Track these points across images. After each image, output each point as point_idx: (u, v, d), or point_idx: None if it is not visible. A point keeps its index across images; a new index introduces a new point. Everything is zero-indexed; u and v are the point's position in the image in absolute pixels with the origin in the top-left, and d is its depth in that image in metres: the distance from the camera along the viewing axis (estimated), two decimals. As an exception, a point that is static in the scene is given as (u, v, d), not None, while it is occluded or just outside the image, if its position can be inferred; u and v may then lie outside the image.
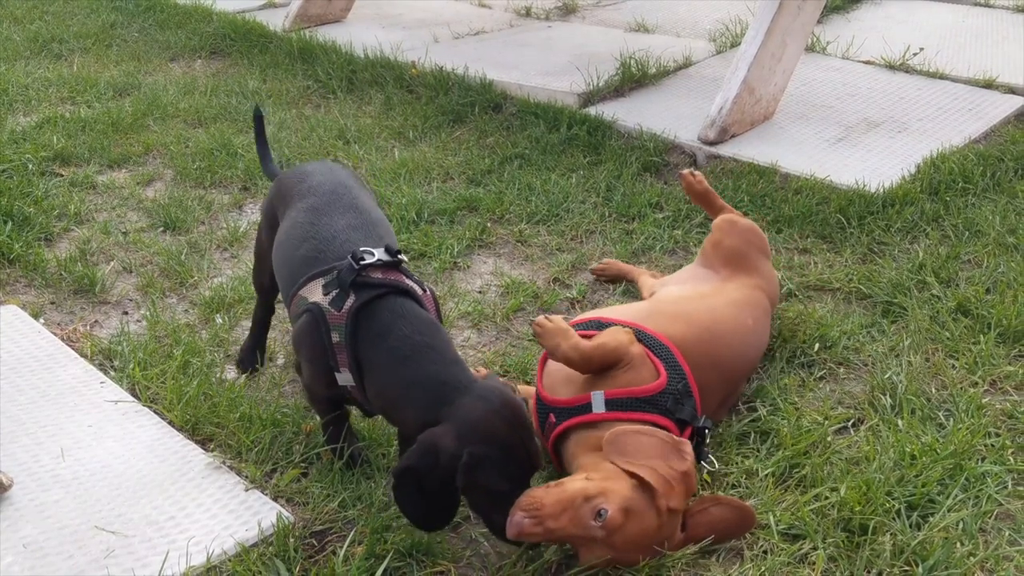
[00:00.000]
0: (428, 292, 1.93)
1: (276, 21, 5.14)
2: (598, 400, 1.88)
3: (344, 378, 1.84)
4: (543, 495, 1.67)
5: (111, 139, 3.78)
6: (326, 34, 4.89)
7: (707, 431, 1.94)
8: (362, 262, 1.84)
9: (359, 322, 1.81)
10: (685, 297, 2.26)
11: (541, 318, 1.95)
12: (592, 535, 1.66)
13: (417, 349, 1.78)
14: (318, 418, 2.06)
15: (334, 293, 1.83)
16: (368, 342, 1.80)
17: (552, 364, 1.99)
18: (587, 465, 1.79)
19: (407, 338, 1.79)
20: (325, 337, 1.82)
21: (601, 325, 2.05)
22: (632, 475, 1.71)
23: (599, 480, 1.71)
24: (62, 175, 3.50)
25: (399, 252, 1.90)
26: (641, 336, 2.00)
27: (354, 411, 2.04)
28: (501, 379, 1.86)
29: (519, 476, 1.70)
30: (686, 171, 2.59)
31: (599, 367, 1.92)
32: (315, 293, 1.87)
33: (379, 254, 1.87)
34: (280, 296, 2.21)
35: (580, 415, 1.89)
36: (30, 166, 3.48)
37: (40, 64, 4.69)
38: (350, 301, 1.81)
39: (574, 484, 1.71)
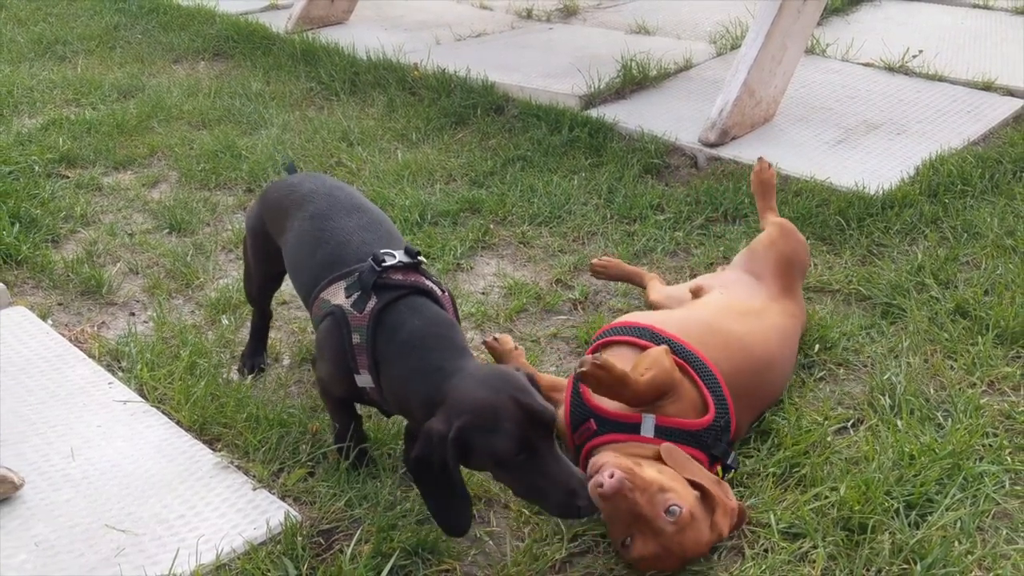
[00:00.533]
0: (446, 293, 1.95)
1: (279, 23, 5.17)
2: (648, 424, 1.87)
3: (364, 380, 1.86)
4: (634, 466, 1.69)
5: (116, 141, 3.81)
6: (328, 36, 4.92)
7: (733, 469, 1.96)
8: (383, 264, 1.86)
9: (380, 323, 1.82)
10: (736, 313, 2.20)
11: (592, 367, 1.83)
12: (659, 526, 1.68)
13: (425, 340, 1.80)
14: (328, 417, 2.08)
15: (356, 295, 1.85)
16: (384, 340, 1.82)
17: None
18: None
19: (418, 330, 1.81)
20: (346, 339, 1.84)
21: (647, 334, 2.04)
22: (698, 487, 1.75)
23: (669, 477, 1.73)
24: (68, 177, 3.53)
25: (418, 253, 1.93)
26: (691, 360, 1.99)
27: (366, 412, 2.07)
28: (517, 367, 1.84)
29: (528, 437, 1.65)
30: (761, 158, 2.62)
31: (651, 403, 1.91)
32: (337, 295, 1.89)
33: (399, 256, 1.89)
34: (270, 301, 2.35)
35: (627, 433, 1.88)
36: (36, 168, 3.51)
37: (44, 66, 4.72)
38: (372, 303, 1.83)
39: (650, 471, 1.73)
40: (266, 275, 2.33)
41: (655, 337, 2.04)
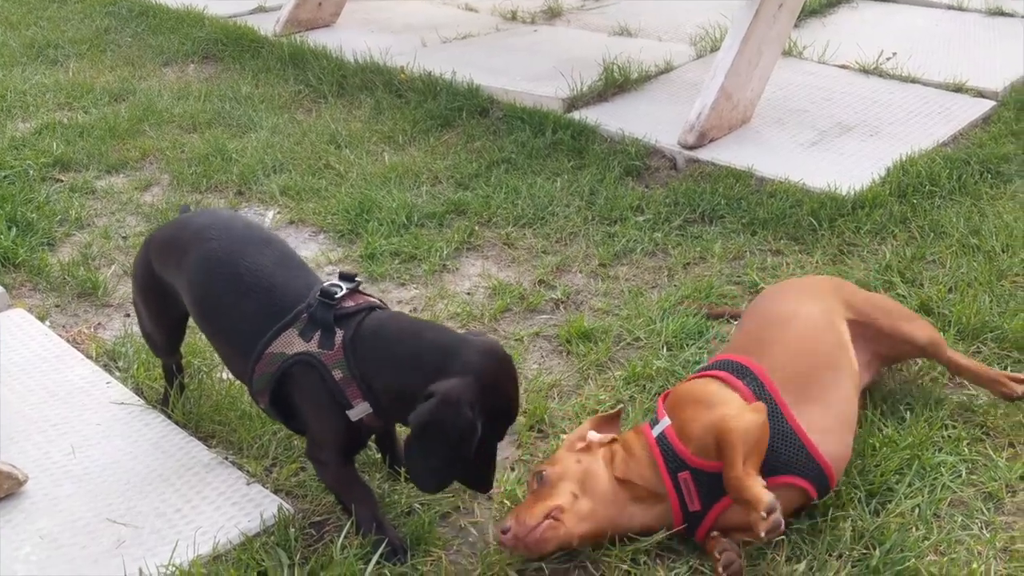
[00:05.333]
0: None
1: (267, 26, 5.24)
2: None
3: (358, 411, 1.82)
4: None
5: (108, 145, 3.89)
6: (316, 39, 5.00)
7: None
8: (335, 296, 1.85)
9: (356, 347, 1.81)
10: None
11: (765, 529, 1.69)
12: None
13: (411, 331, 1.85)
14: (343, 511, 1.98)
15: (318, 335, 1.82)
16: (369, 353, 1.81)
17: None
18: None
19: (399, 329, 1.85)
20: (328, 379, 1.81)
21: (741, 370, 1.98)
22: None
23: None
24: (62, 181, 3.61)
25: (354, 276, 1.93)
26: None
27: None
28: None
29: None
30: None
31: None
32: (293, 344, 1.83)
33: (345, 285, 1.88)
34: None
35: None
36: (31, 172, 3.59)
37: (37, 70, 4.80)
38: (339, 335, 1.82)
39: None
40: (171, 324, 2.19)
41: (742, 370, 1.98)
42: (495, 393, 1.76)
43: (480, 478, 1.83)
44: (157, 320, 2.19)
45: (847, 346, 2.10)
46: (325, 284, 1.89)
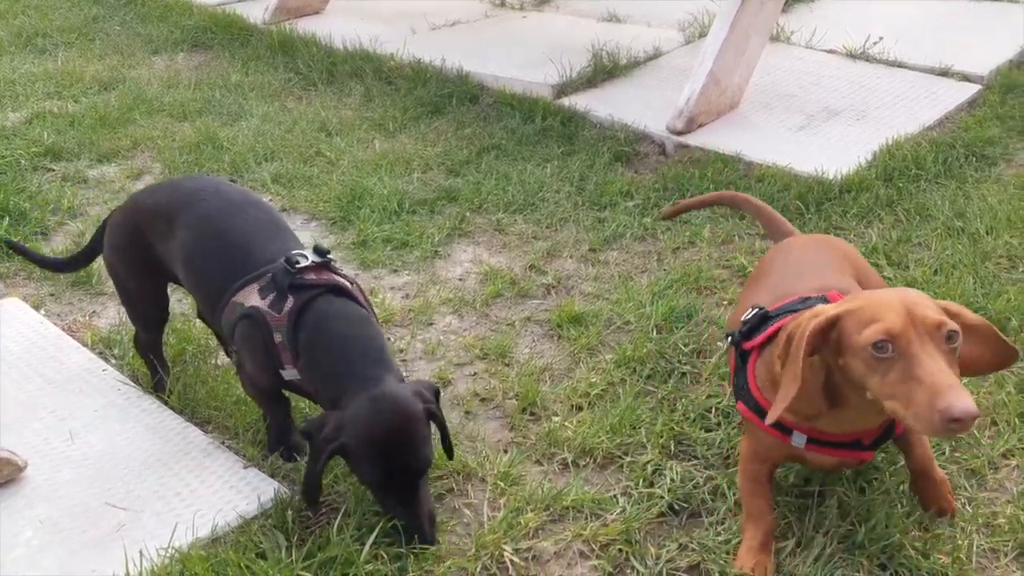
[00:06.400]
0: (355, 285, 2.04)
1: (256, 14, 5.24)
2: None
3: (290, 374, 1.97)
4: None
5: (99, 134, 3.89)
6: (305, 27, 5.01)
7: None
8: (297, 265, 1.95)
9: (298, 322, 1.92)
10: None
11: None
12: None
13: (343, 343, 1.91)
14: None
15: (272, 296, 1.94)
16: (305, 339, 1.91)
17: None
18: None
19: (336, 332, 1.92)
20: (267, 338, 1.93)
21: None
22: None
23: None
24: (54, 170, 3.62)
25: (327, 252, 2.01)
26: None
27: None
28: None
29: (393, 473, 1.82)
30: None
31: None
32: (251, 298, 1.96)
33: (310, 256, 1.97)
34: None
35: None
36: (23, 162, 3.60)
37: (25, 59, 4.79)
38: (289, 303, 1.92)
39: None
40: (156, 294, 2.27)
41: None
42: (369, 446, 1.81)
43: (410, 527, 1.87)
44: (141, 290, 2.26)
45: None
46: (293, 252, 1.98)
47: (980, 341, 1.69)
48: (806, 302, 1.83)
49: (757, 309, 1.88)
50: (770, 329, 1.82)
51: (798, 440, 1.80)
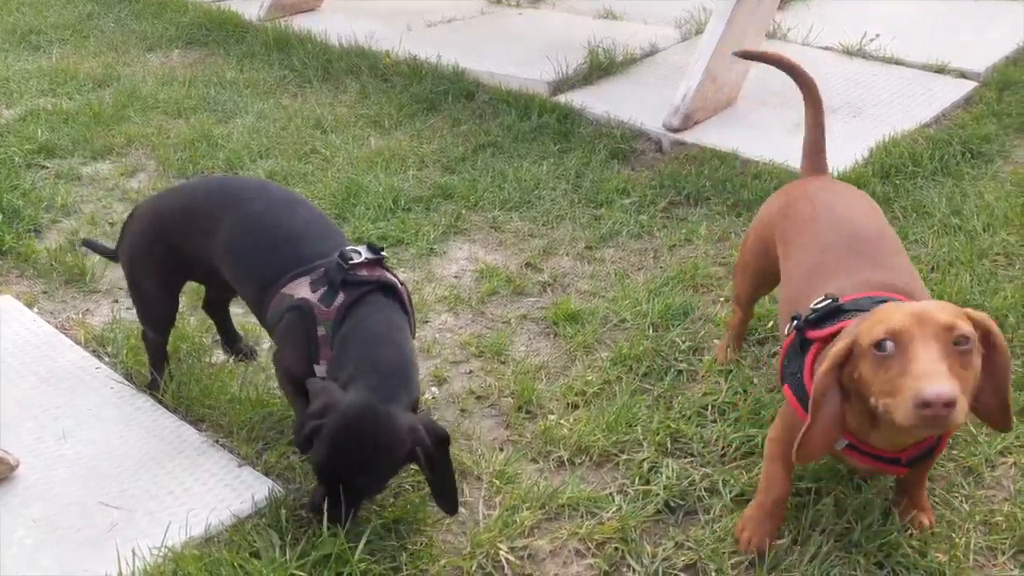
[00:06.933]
0: (404, 287, 2.04)
1: (251, 11, 5.23)
2: None
3: (320, 370, 1.95)
4: None
5: (93, 131, 3.88)
6: (300, 23, 4.99)
7: None
8: (350, 261, 1.95)
9: (346, 318, 1.92)
10: None
11: None
12: None
13: (373, 348, 1.89)
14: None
15: (323, 290, 1.94)
16: (343, 336, 1.91)
17: None
18: None
19: (371, 337, 1.90)
20: (312, 330, 1.92)
21: None
22: None
23: None
24: (47, 168, 3.61)
25: (381, 249, 2.02)
26: None
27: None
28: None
29: (335, 476, 1.80)
30: None
31: None
32: (302, 290, 1.96)
33: (364, 252, 1.97)
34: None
35: None
36: (16, 159, 3.59)
37: (20, 56, 4.78)
38: (340, 299, 1.92)
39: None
40: (171, 297, 2.28)
41: None
42: (326, 445, 1.78)
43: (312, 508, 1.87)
44: (167, 292, 2.26)
45: None
46: (347, 248, 1.98)
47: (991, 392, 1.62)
48: (877, 302, 1.73)
49: (830, 300, 1.78)
50: (838, 325, 1.72)
51: (839, 444, 1.73)
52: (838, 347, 1.63)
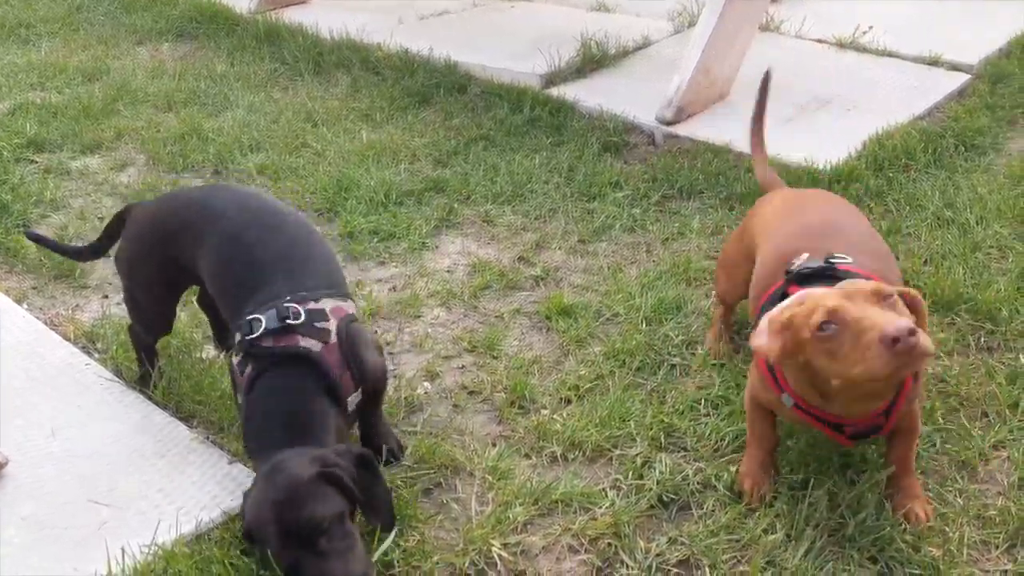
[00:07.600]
0: (332, 341, 1.88)
1: (242, 3, 5.19)
2: None
3: None
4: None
5: (83, 125, 3.85)
6: (291, 16, 4.96)
7: None
8: (251, 334, 1.86)
9: (253, 389, 1.86)
10: None
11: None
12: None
13: (265, 421, 1.84)
14: None
15: (239, 357, 1.90)
16: (243, 409, 1.89)
17: None
18: None
19: (265, 411, 1.84)
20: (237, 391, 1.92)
21: None
22: None
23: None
24: (37, 162, 3.58)
25: (295, 315, 1.87)
26: None
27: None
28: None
29: (290, 546, 1.69)
30: None
31: None
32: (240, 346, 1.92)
33: (267, 321, 1.86)
34: None
35: None
36: (5, 153, 3.56)
37: (8, 50, 4.74)
38: (248, 369, 1.87)
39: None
40: (166, 306, 2.24)
41: None
42: (262, 541, 1.72)
43: None
44: (154, 299, 2.21)
45: None
46: (253, 316, 1.88)
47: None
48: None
49: (827, 263, 1.88)
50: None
51: (787, 400, 1.86)
52: (754, 375, 1.91)
